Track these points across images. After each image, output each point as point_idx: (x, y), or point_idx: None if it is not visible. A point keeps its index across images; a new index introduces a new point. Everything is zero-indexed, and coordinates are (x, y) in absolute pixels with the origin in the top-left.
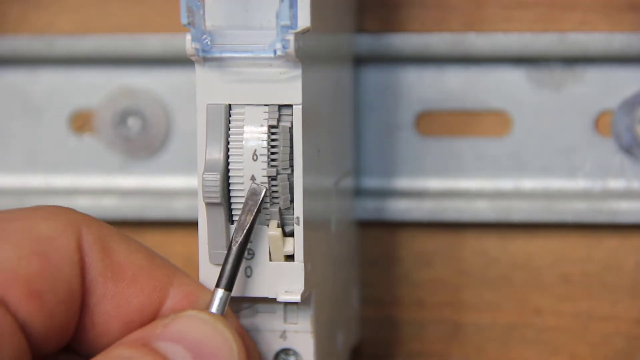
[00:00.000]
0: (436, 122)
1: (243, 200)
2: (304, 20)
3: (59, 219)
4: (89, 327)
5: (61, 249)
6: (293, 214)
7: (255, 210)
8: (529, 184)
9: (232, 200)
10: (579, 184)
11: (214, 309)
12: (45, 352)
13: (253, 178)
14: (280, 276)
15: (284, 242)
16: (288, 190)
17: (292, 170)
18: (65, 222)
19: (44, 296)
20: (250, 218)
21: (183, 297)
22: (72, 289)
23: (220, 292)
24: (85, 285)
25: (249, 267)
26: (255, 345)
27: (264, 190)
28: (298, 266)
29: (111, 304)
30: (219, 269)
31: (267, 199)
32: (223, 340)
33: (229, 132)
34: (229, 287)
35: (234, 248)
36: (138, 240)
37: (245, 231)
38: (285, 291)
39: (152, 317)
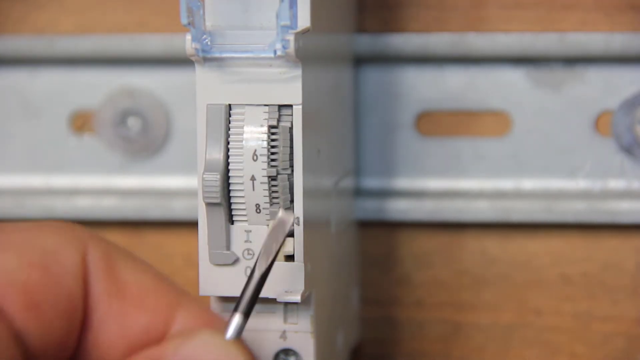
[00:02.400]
0: (436, 122)
1: (243, 200)
2: (304, 20)
3: (65, 234)
4: (92, 348)
5: (64, 263)
6: (293, 214)
7: (283, 239)
8: (529, 184)
9: (232, 200)
10: (579, 184)
11: (230, 333)
12: None
13: (253, 178)
14: (280, 276)
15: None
16: (288, 190)
17: (292, 171)
18: (71, 237)
19: (43, 307)
20: (276, 247)
21: (192, 319)
22: (73, 304)
23: (237, 317)
24: (89, 302)
25: (249, 267)
26: None
27: (292, 219)
28: (298, 266)
29: (115, 323)
30: (219, 269)
31: (294, 223)
32: None
33: (229, 132)
34: (247, 314)
35: (257, 275)
36: (146, 262)
37: (270, 260)
38: (285, 291)
39: (159, 339)
